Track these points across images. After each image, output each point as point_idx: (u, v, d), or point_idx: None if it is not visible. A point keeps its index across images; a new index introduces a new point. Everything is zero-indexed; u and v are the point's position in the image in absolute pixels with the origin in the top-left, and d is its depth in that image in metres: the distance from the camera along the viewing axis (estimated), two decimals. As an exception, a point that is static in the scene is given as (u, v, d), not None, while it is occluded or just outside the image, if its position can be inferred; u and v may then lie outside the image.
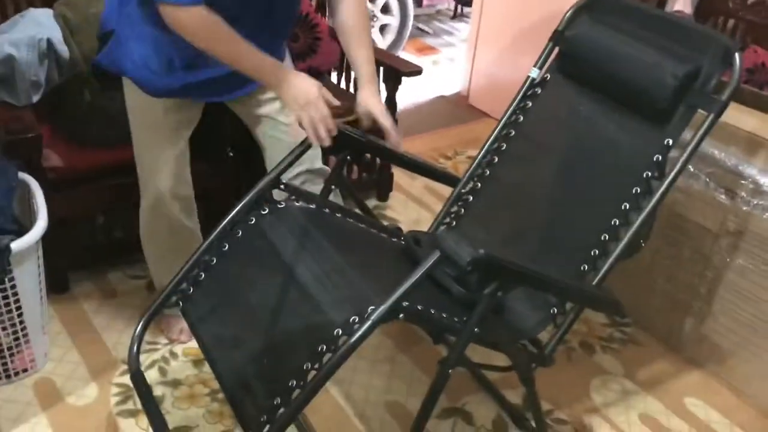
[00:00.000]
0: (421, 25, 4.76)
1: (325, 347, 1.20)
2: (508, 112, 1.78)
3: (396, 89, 2.49)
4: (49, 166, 1.95)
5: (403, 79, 2.48)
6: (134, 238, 2.15)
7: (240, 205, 1.51)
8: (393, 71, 2.44)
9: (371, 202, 2.69)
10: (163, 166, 1.75)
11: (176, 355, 1.93)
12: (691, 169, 1.89)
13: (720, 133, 1.84)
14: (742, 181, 1.80)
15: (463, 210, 1.79)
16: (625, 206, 1.51)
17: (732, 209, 1.83)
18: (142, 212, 1.86)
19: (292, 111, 1.50)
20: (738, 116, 1.83)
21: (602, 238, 1.52)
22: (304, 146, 1.56)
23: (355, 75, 1.65)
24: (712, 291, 1.94)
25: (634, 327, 2.16)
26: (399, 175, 2.82)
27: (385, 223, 2.03)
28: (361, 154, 1.76)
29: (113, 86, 2.00)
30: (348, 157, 1.73)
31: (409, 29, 4.17)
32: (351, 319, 1.21)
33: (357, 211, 1.76)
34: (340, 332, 1.20)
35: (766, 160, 1.78)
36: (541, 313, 1.54)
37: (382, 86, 2.53)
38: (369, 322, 1.16)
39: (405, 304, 1.22)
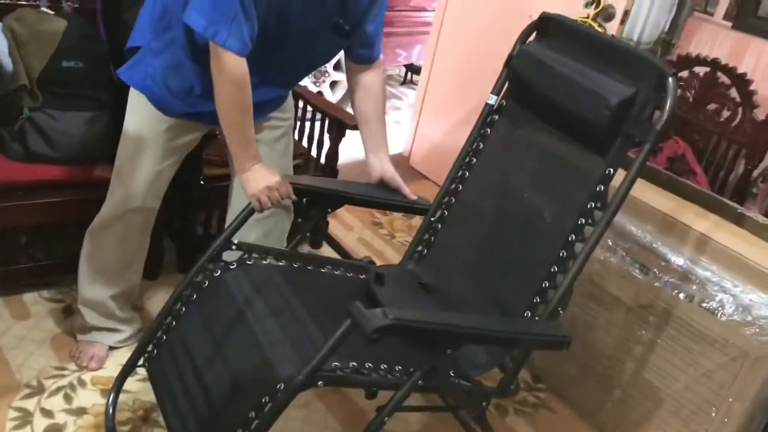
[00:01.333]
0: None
1: (268, 398, 1.28)
2: (470, 140, 1.82)
3: (339, 140, 2.54)
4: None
5: (348, 133, 2.54)
6: (56, 260, 2.11)
7: (192, 270, 1.59)
8: (338, 122, 2.50)
9: (304, 249, 2.69)
10: (144, 177, 1.78)
11: (84, 383, 1.87)
12: (610, 243, 1.99)
13: (638, 212, 1.95)
14: (655, 258, 1.90)
15: (432, 238, 1.85)
16: (572, 238, 1.53)
17: (645, 284, 1.93)
18: (98, 219, 1.85)
19: (248, 192, 1.61)
20: (656, 197, 1.95)
21: (552, 269, 1.54)
22: (249, 210, 1.62)
23: (367, 145, 1.87)
24: (623, 362, 2.01)
25: (548, 393, 2.21)
26: (333, 225, 2.85)
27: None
28: (337, 206, 1.87)
29: (58, 105, 2.00)
30: (329, 210, 1.86)
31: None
32: (294, 374, 1.26)
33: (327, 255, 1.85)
34: (282, 386, 1.28)
35: (678, 240, 1.89)
36: (494, 347, 1.57)
37: (326, 136, 2.60)
38: (286, 393, 1.26)
39: (334, 364, 1.31)
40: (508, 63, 1.77)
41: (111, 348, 1.97)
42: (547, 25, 1.73)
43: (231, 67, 1.50)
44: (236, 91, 1.53)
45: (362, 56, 1.80)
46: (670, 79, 1.42)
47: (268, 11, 1.52)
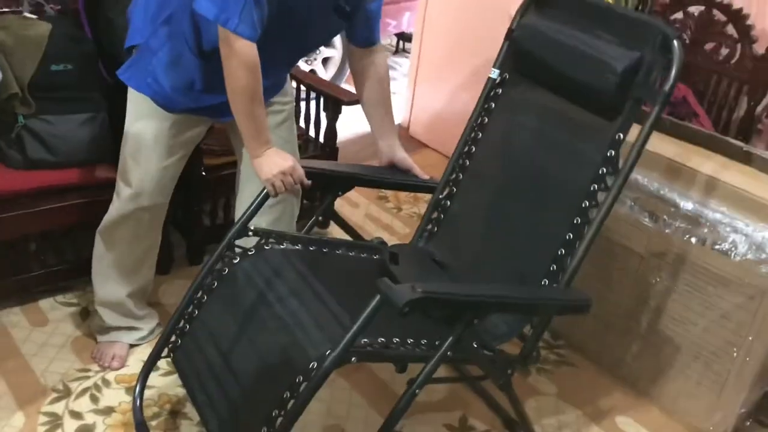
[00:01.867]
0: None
1: (301, 378, 1.30)
2: (474, 115, 1.83)
3: (336, 118, 2.53)
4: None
5: (344, 108, 2.52)
6: (68, 265, 2.12)
7: (211, 259, 1.62)
8: (333, 100, 2.48)
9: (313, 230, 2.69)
10: (150, 175, 1.78)
11: (109, 383, 1.88)
12: (618, 194, 1.97)
13: (644, 160, 1.92)
14: (664, 205, 1.89)
15: (442, 215, 1.86)
16: (585, 204, 1.55)
17: (655, 232, 1.92)
18: (107, 219, 1.85)
19: (262, 178, 1.62)
20: (660, 144, 1.93)
21: (567, 236, 1.56)
22: (264, 195, 1.64)
23: (376, 131, 1.90)
24: (639, 312, 2.01)
25: (567, 349, 2.21)
26: (339, 203, 2.84)
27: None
28: (348, 188, 1.89)
29: (52, 110, 1.99)
30: (339, 192, 1.87)
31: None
32: (326, 353, 1.28)
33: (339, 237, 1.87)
34: (315, 365, 1.29)
35: (685, 184, 1.88)
36: (515, 315, 1.59)
37: (322, 115, 2.58)
38: (321, 371, 1.26)
39: (364, 341, 1.34)
40: (509, 36, 1.76)
41: (131, 346, 1.98)
42: None
43: (243, 53, 1.50)
44: (248, 77, 1.53)
45: (363, 38, 1.80)
46: (675, 41, 1.44)
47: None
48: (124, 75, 1.74)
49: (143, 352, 1.93)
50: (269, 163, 1.61)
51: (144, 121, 1.75)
